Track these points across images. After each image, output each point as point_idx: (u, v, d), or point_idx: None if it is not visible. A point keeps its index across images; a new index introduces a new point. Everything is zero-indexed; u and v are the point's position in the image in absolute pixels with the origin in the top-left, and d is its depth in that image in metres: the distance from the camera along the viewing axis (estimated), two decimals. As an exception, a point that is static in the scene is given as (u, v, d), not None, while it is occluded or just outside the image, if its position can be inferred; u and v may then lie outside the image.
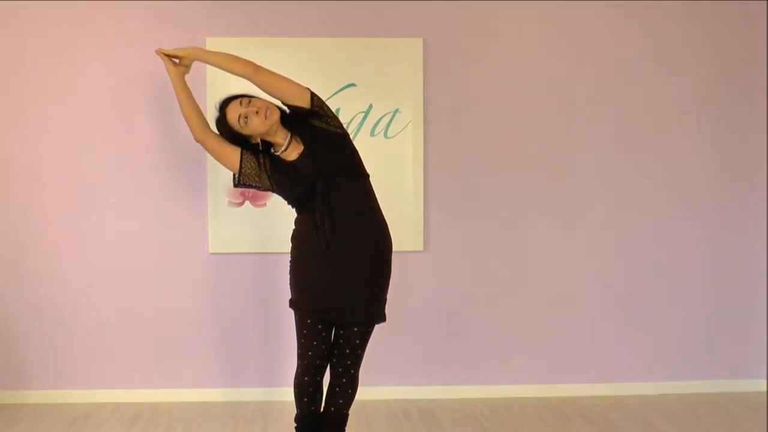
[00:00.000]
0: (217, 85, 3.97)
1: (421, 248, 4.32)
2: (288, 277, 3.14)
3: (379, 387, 4.30)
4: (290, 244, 3.15)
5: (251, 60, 3.10)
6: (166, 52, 3.16)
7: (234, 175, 3.12)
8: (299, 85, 3.08)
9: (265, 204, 4.23)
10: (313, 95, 3.07)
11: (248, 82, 3.11)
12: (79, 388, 4.29)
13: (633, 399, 4.34)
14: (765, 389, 4.46)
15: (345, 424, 3.21)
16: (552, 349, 4.43)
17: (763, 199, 4.46)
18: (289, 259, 3.13)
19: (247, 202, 4.24)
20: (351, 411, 3.22)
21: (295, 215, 3.14)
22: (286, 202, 3.16)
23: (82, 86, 4.21)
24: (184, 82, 3.17)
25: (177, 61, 3.17)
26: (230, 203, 4.24)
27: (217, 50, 4.06)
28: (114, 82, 4.21)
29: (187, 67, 3.19)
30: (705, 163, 4.44)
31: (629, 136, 4.40)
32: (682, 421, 3.98)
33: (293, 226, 3.13)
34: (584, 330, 4.44)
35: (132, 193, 4.25)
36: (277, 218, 4.16)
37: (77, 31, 4.19)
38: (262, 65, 3.11)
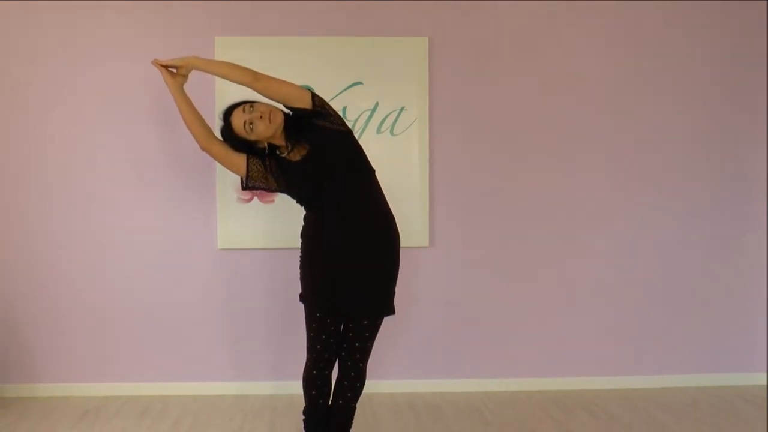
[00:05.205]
0: (224, 91, 4.01)
1: (427, 244, 4.37)
2: (298, 272, 3.18)
3: (385, 381, 4.35)
4: (299, 241, 3.19)
5: (252, 66, 3.11)
6: (163, 63, 3.13)
7: (241, 178, 3.16)
8: (299, 88, 3.12)
9: (273, 200, 4.27)
10: (314, 96, 3.10)
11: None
12: (89, 381, 4.35)
13: (635, 392, 4.38)
14: (765, 383, 4.50)
15: (352, 417, 3.25)
16: (556, 343, 4.48)
17: (763, 196, 4.50)
18: (299, 255, 3.18)
19: (255, 198, 4.29)
20: (357, 404, 3.26)
21: (304, 212, 3.19)
22: (294, 201, 3.21)
23: (91, 86, 4.26)
24: (184, 92, 3.15)
25: (174, 71, 3.15)
26: (239, 200, 4.29)
27: (225, 49, 4.17)
28: (123, 82, 4.25)
29: (185, 76, 3.17)
30: (708, 159, 4.48)
31: (634, 134, 4.44)
32: (684, 413, 4.03)
33: (302, 223, 3.17)
34: (587, 324, 4.49)
35: (142, 190, 4.30)
36: (285, 214, 4.21)
37: (86, 30, 4.25)
38: (266, 67, 3.12)
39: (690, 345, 4.53)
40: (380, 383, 4.32)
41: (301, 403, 3.27)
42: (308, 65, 4.24)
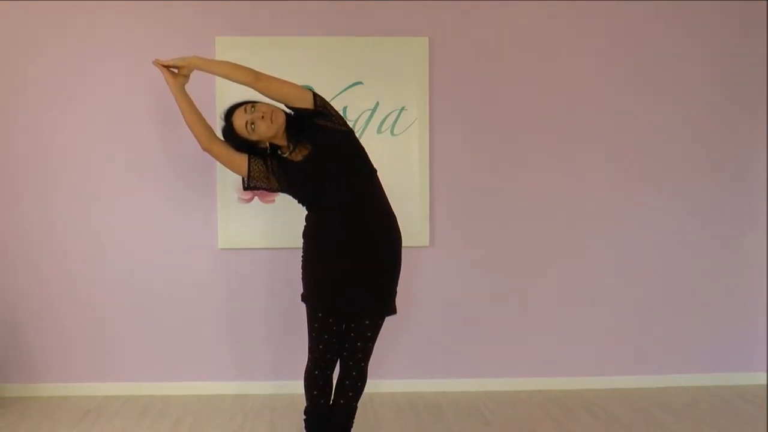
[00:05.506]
0: (225, 91, 4.02)
1: (427, 244, 4.37)
2: (300, 272, 3.19)
3: (386, 380, 4.36)
4: (300, 240, 3.19)
5: (252, 66, 3.11)
6: (164, 63, 3.12)
7: (243, 178, 3.16)
8: (300, 88, 3.12)
9: (274, 200, 4.28)
10: (315, 96, 3.10)
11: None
12: (90, 381, 4.35)
13: (635, 392, 4.39)
14: (765, 383, 4.51)
15: (353, 417, 3.25)
16: (556, 342, 4.48)
17: (763, 196, 4.51)
18: (301, 255, 3.18)
19: (256, 198, 4.29)
20: (359, 403, 3.26)
21: (306, 212, 3.19)
22: (295, 201, 3.20)
23: (91, 86, 4.26)
24: (185, 92, 3.14)
25: (176, 71, 3.14)
26: (239, 199, 4.29)
27: (225, 49, 4.18)
28: (124, 82, 4.25)
29: (186, 77, 3.16)
30: (708, 159, 4.49)
31: (634, 134, 4.44)
32: (684, 413, 4.03)
33: (304, 223, 3.17)
34: (587, 324, 4.49)
35: (142, 190, 4.30)
36: (285, 214, 4.22)
37: (86, 31, 4.24)
38: (266, 67, 3.11)
39: (690, 345, 4.54)
40: (381, 383, 4.33)
41: (302, 403, 3.27)
42: (308, 65, 4.24)
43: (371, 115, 4.31)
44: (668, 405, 4.17)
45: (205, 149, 3.16)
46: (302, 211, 3.20)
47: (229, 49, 4.17)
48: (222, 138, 3.14)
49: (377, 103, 4.31)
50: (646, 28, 4.42)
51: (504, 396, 4.34)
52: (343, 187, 3.04)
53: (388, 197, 3.17)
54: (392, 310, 3.16)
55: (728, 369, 4.54)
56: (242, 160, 3.12)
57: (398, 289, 3.20)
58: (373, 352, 3.22)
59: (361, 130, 4.26)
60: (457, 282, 4.44)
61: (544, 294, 4.47)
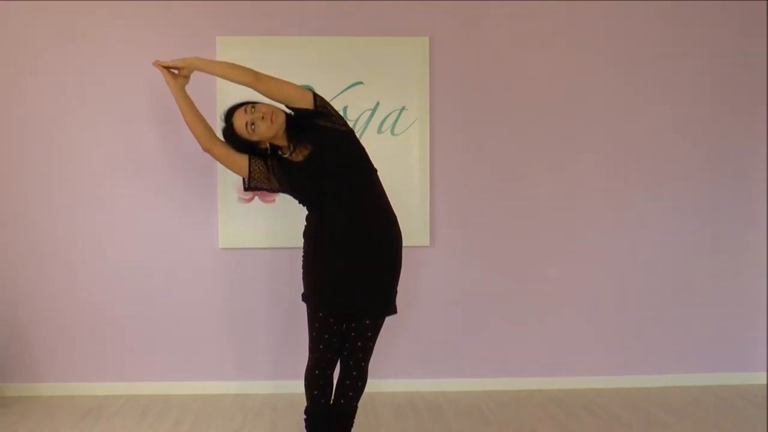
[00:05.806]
0: (225, 92, 4.03)
1: (428, 243, 4.38)
2: (300, 271, 3.19)
3: (386, 380, 4.37)
4: (300, 240, 3.19)
5: (253, 66, 3.11)
6: (165, 64, 3.12)
7: (244, 179, 3.16)
8: (300, 88, 3.12)
9: (275, 200, 4.28)
10: (315, 96, 3.10)
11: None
12: (91, 381, 4.36)
13: (636, 391, 4.39)
14: (765, 383, 4.51)
15: (354, 416, 3.26)
16: (556, 342, 4.49)
17: (763, 196, 4.51)
18: (302, 254, 3.18)
19: (256, 198, 4.29)
20: (359, 403, 3.27)
21: (306, 212, 3.19)
22: (296, 201, 3.21)
23: (91, 86, 4.26)
24: (185, 93, 3.15)
25: (176, 72, 3.14)
26: (240, 199, 4.29)
27: (225, 49, 4.18)
28: (124, 82, 4.26)
29: (186, 77, 3.16)
30: (708, 159, 4.49)
31: (634, 134, 4.44)
32: (685, 413, 4.03)
33: (305, 223, 3.17)
34: (588, 324, 4.50)
35: (143, 190, 4.31)
36: (286, 214, 4.22)
37: (86, 31, 4.25)
38: (266, 67, 3.11)
39: (690, 345, 4.54)
40: (381, 382, 4.33)
41: (302, 402, 3.27)
42: (308, 65, 4.24)
43: (371, 115, 4.31)
44: (668, 405, 4.17)
45: (205, 150, 3.16)
46: (302, 211, 3.20)
47: (229, 49, 4.18)
48: (222, 139, 3.14)
49: (377, 103, 4.31)
50: (646, 28, 4.42)
51: (504, 396, 4.34)
52: (343, 187, 3.04)
53: (388, 197, 3.17)
54: (393, 310, 3.16)
55: (728, 369, 4.54)
56: (243, 160, 3.13)
57: (398, 289, 3.20)
58: (374, 351, 3.21)
59: (361, 130, 4.26)
60: (457, 282, 4.44)
61: (544, 294, 4.47)
